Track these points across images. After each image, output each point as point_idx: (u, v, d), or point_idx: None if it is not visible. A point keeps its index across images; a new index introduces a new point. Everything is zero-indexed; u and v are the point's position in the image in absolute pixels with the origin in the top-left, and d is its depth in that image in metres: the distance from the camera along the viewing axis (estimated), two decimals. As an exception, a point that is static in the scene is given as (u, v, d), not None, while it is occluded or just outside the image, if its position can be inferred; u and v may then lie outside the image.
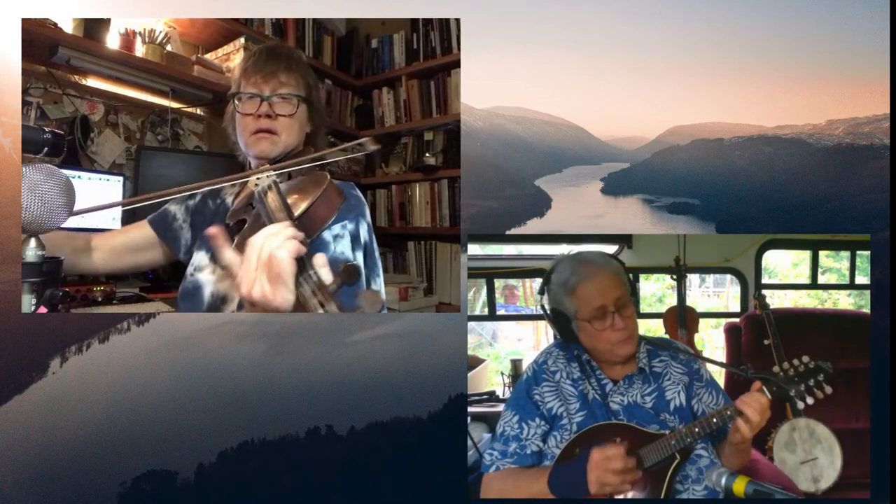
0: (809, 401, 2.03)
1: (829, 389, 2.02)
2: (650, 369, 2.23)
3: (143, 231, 2.53)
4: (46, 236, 1.69)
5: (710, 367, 2.36)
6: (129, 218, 4.36)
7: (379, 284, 2.09)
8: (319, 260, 1.53)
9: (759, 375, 2.08)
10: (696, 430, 2.07)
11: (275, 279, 1.46)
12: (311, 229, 1.78)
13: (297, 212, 1.73)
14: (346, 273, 1.52)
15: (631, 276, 2.27)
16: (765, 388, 2.04)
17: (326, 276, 1.51)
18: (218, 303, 2.09)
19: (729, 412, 2.06)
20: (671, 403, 2.19)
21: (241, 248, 1.58)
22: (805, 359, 2.06)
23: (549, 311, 2.25)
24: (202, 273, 2.15)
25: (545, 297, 2.27)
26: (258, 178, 1.70)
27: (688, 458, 2.10)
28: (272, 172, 1.72)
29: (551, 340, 4.32)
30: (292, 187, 1.86)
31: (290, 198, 1.77)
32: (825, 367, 2.04)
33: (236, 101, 2.14)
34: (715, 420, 2.06)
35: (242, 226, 1.84)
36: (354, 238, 1.98)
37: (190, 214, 2.41)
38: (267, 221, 1.67)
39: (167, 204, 2.47)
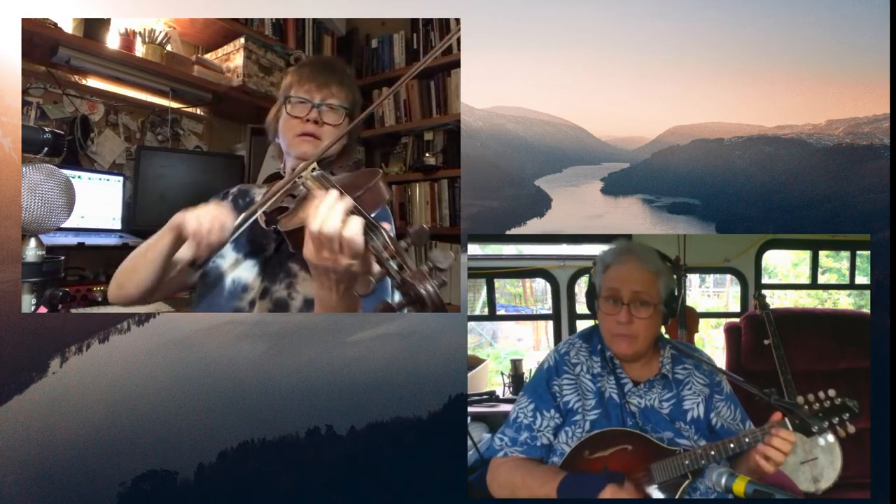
0: (830, 438, 1.96)
1: (851, 429, 1.95)
2: (672, 375, 2.21)
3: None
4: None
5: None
6: (129, 218, 4.37)
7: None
8: (386, 226, 1.63)
9: (783, 404, 1.99)
10: (713, 453, 2.02)
11: (356, 257, 1.58)
12: None
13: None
14: (416, 235, 1.59)
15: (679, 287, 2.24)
16: (787, 420, 1.98)
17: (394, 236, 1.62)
18: (238, 290, 2.15)
19: (748, 440, 2.01)
20: (689, 413, 2.17)
21: (286, 224, 1.77)
22: (831, 393, 1.98)
23: (590, 283, 2.29)
24: (223, 260, 2.19)
25: (594, 268, 2.30)
26: (303, 174, 1.81)
27: (698, 477, 2.06)
28: (317, 168, 1.82)
29: (551, 340, 4.35)
30: (341, 182, 1.88)
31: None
32: (851, 406, 1.96)
33: (286, 104, 2.22)
34: (732, 446, 2.02)
35: (281, 212, 1.86)
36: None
37: None
38: None
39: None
